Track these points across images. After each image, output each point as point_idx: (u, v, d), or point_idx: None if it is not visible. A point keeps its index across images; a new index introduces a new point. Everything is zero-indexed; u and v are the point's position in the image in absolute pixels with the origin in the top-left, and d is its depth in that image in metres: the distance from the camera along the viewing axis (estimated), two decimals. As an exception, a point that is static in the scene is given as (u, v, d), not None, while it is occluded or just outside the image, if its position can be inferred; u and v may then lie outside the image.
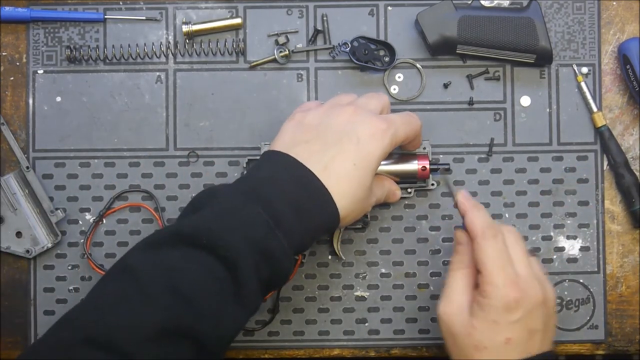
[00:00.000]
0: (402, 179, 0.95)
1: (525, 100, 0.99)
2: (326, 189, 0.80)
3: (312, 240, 0.82)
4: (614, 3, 0.99)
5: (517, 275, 0.82)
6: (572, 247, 0.98)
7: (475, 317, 0.82)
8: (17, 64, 0.99)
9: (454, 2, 0.96)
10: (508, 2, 0.98)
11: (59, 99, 0.99)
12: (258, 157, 0.96)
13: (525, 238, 0.98)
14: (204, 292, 0.75)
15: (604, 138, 0.98)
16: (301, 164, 0.81)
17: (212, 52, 0.99)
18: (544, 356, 0.83)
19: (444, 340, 0.84)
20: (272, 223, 0.78)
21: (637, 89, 0.96)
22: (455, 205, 0.86)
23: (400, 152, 0.96)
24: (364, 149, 0.82)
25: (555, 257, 0.98)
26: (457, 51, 0.97)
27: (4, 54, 0.99)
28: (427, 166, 0.95)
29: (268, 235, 0.78)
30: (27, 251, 0.97)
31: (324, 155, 0.82)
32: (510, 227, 0.87)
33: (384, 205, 0.98)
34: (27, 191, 0.98)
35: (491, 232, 0.83)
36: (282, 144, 0.84)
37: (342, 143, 0.82)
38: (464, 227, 0.85)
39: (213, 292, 0.75)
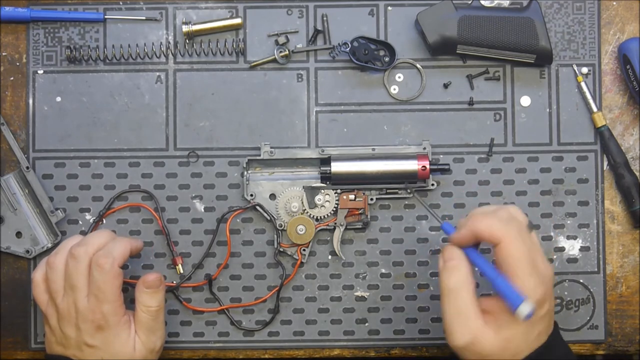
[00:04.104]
0: (402, 179, 0.95)
1: (525, 100, 0.99)
2: None
3: None
4: (614, 3, 0.99)
5: (539, 268, 0.78)
6: (572, 247, 0.98)
7: (506, 328, 0.77)
8: (17, 64, 0.99)
9: (454, 2, 0.96)
10: (508, 2, 0.98)
11: (59, 99, 0.99)
12: (258, 157, 0.97)
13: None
14: None
15: (604, 138, 0.98)
16: None
17: (212, 52, 0.99)
18: (557, 328, 0.82)
19: None
20: None
21: (637, 89, 0.96)
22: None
23: (400, 152, 0.96)
24: None
25: (555, 257, 0.98)
26: (457, 51, 0.97)
27: (4, 54, 0.99)
28: (427, 166, 0.95)
29: None
30: (27, 251, 0.97)
31: None
32: (512, 208, 0.82)
33: (384, 205, 0.98)
34: (27, 191, 0.98)
35: (514, 229, 0.77)
36: None
37: None
38: (448, 232, 0.82)
39: None
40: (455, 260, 0.80)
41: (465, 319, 0.78)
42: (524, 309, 0.75)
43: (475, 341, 0.77)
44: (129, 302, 0.91)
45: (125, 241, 0.90)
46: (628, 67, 0.96)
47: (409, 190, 0.97)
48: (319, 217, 0.97)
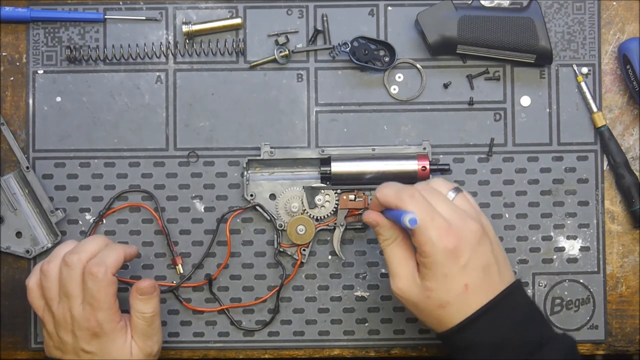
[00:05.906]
0: (402, 179, 0.95)
1: (525, 100, 0.99)
2: None
3: None
4: (614, 3, 0.99)
5: (447, 221, 0.81)
6: (572, 247, 0.98)
7: (426, 279, 0.82)
8: (17, 64, 0.99)
9: (454, 2, 0.96)
10: (508, 2, 0.98)
11: (59, 99, 0.99)
12: (258, 157, 0.97)
13: (525, 238, 0.98)
14: None
15: (604, 138, 0.98)
16: None
17: (212, 52, 0.99)
18: (511, 288, 0.83)
19: (410, 310, 0.85)
20: None
21: (637, 89, 0.96)
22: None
23: (400, 152, 0.96)
24: None
25: (555, 257, 0.98)
26: (457, 51, 0.97)
27: (4, 54, 0.99)
28: (427, 166, 0.95)
29: None
30: (27, 251, 0.97)
31: None
32: (433, 180, 0.87)
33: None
34: (27, 191, 0.98)
35: (407, 194, 0.82)
36: None
37: None
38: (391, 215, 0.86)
39: None
40: (377, 227, 0.85)
41: (395, 272, 0.84)
42: (407, 216, 0.79)
43: (404, 289, 0.83)
44: (128, 302, 0.91)
45: (118, 248, 0.89)
46: (628, 67, 0.96)
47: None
48: (319, 217, 0.97)
